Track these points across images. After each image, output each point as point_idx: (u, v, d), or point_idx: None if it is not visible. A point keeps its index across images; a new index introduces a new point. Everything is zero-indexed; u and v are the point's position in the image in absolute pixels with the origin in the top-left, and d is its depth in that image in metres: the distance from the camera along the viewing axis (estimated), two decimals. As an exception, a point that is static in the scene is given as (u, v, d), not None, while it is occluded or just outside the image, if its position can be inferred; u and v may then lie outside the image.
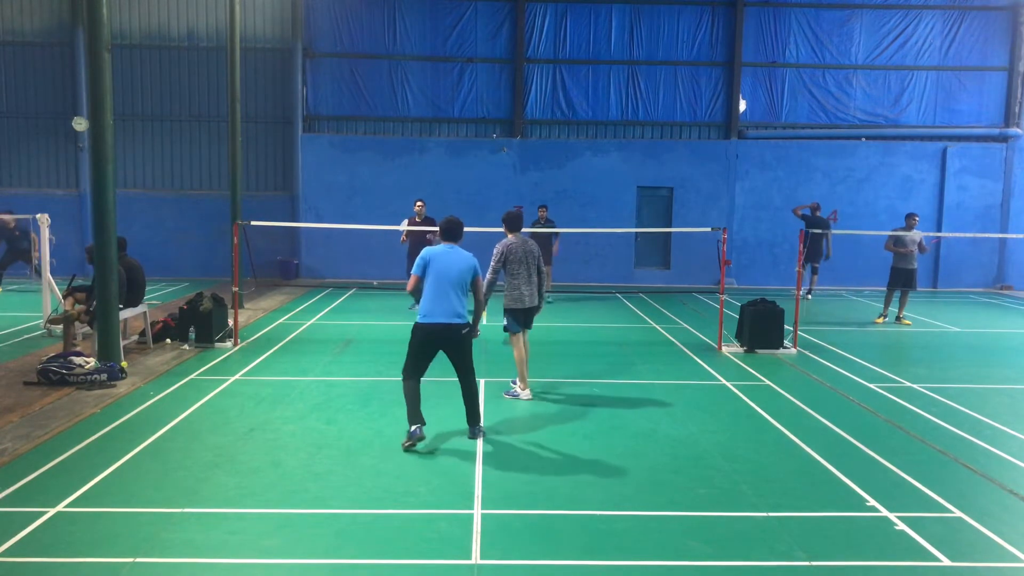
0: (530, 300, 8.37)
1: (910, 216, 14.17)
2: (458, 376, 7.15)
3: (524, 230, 15.16)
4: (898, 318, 14.42)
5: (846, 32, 20.01)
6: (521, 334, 8.52)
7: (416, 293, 7.13)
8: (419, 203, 14.34)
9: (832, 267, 19.58)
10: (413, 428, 6.77)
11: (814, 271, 17.35)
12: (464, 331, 6.88)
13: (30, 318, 13.13)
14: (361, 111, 20.07)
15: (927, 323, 14.49)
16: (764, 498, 5.83)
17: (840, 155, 20.12)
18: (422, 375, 6.96)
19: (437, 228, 13.77)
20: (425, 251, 7.02)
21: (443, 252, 6.97)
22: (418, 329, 6.87)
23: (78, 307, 10.23)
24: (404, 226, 14.28)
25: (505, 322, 8.56)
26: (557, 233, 15.80)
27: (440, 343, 6.90)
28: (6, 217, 16.54)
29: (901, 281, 14.01)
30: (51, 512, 5.35)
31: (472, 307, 7.23)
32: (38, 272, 16.71)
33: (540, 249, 8.65)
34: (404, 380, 6.92)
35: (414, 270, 7.02)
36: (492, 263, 8.30)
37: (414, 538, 5.08)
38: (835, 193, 20.13)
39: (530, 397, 8.52)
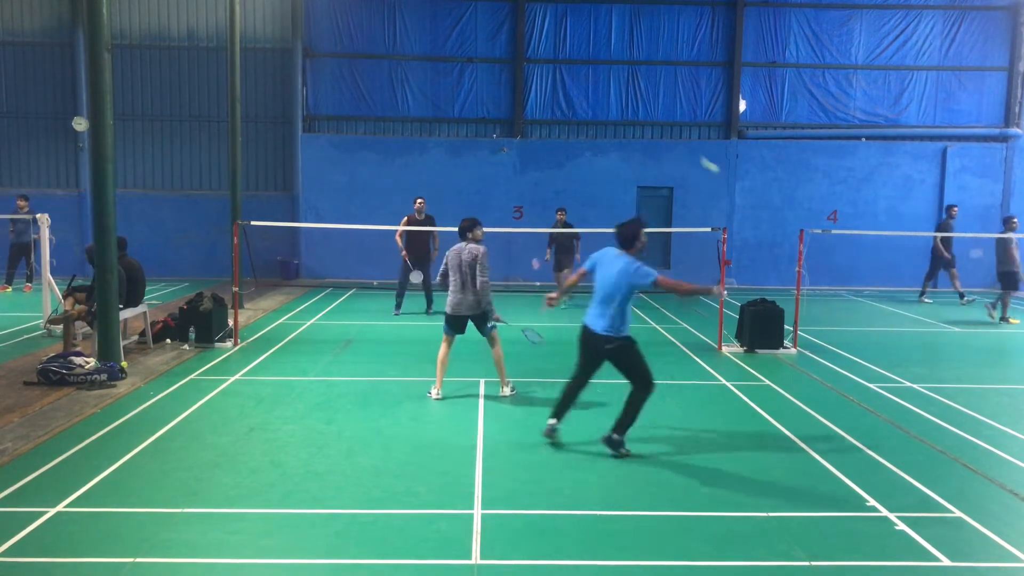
0: (455, 308, 8.35)
1: (1012, 219, 14.80)
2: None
3: (556, 229, 15.14)
4: (1004, 318, 14.68)
5: (846, 32, 20.00)
6: (448, 338, 8.56)
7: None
8: (419, 200, 14.20)
9: (832, 267, 19.63)
10: (551, 420, 6.95)
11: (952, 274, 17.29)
12: (608, 345, 6.63)
13: (30, 318, 13.13)
14: (361, 111, 20.07)
15: (927, 323, 14.49)
16: (764, 498, 5.83)
17: (840, 155, 20.12)
18: (582, 377, 6.93)
19: (431, 229, 13.73)
20: (595, 255, 6.88)
21: (611, 256, 6.75)
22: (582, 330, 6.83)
23: (78, 307, 10.23)
24: (402, 225, 14.09)
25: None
26: (577, 235, 15.51)
27: (588, 350, 6.81)
28: (21, 203, 16.63)
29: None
30: (51, 512, 5.35)
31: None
32: (31, 275, 16.76)
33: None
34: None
35: (587, 265, 6.90)
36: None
37: (414, 538, 5.08)
38: (835, 193, 20.13)
39: (439, 396, 8.45)
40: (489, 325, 8.49)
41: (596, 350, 6.72)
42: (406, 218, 14.22)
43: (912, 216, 19.99)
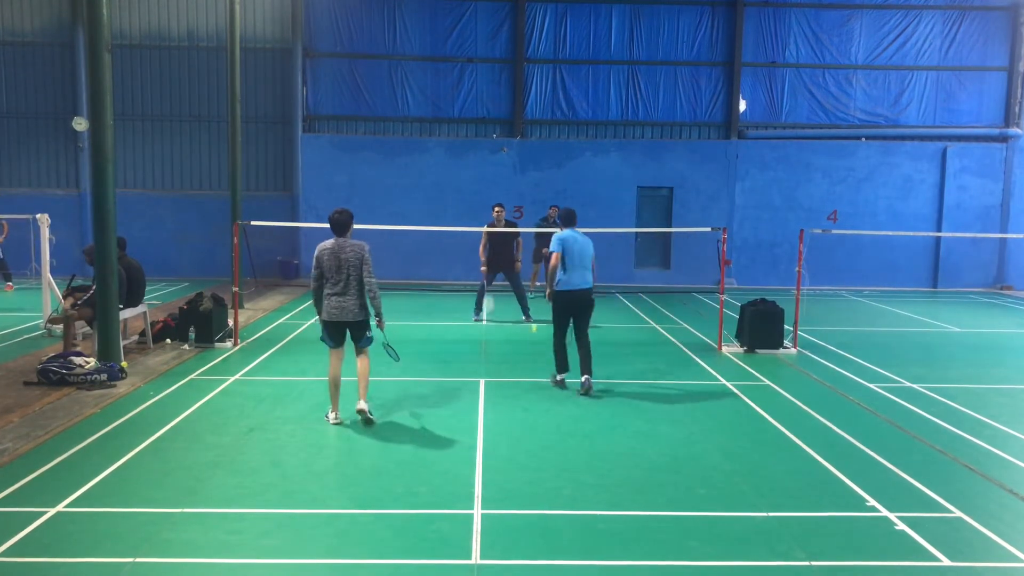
0: (338, 314, 7.35)
1: None
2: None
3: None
4: None
5: (846, 32, 20.01)
6: (335, 351, 7.50)
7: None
8: (497, 208, 13.51)
9: (832, 267, 19.64)
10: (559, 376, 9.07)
11: None
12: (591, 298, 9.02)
13: (30, 318, 13.13)
14: (361, 111, 20.07)
15: (927, 323, 14.49)
16: (764, 498, 5.83)
17: (840, 155, 20.12)
18: (564, 332, 9.00)
19: (515, 230, 13.40)
20: (562, 235, 8.89)
21: (572, 236, 8.94)
22: (559, 296, 8.88)
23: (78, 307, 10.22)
24: (484, 236, 13.33)
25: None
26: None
27: (574, 307, 8.92)
28: None
29: None
30: (51, 512, 5.35)
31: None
32: None
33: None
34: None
35: (553, 247, 8.81)
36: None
37: (414, 538, 5.08)
38: (835, 193, 20.14)
39: (338, 420, 7.35)
40: (369, 335, 7.61)
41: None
42: (487, 225, 13.49)
43: (912, 216, 20.00)
